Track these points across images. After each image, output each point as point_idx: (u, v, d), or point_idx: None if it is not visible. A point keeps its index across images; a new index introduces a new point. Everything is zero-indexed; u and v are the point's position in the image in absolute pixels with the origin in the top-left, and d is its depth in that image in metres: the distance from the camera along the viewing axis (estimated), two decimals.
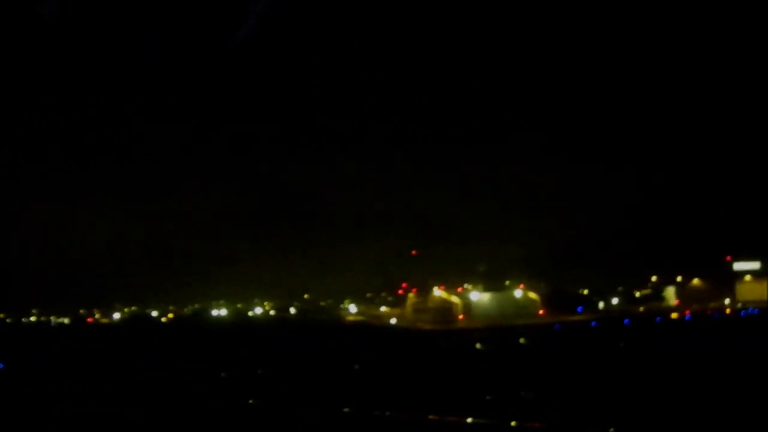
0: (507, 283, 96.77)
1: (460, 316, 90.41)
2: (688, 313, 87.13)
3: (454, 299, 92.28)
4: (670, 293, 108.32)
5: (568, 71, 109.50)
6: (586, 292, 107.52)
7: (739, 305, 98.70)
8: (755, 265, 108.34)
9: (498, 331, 71.95)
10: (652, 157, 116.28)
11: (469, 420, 20.37)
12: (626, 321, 75.62)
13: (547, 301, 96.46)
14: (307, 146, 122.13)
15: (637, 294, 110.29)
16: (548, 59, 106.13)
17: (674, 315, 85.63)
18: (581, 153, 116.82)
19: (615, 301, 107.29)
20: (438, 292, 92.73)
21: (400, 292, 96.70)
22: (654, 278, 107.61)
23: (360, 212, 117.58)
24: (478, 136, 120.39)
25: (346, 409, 23.38)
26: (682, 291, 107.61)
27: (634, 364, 39.59)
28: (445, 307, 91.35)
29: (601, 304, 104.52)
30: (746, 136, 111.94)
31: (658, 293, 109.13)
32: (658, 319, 78.85)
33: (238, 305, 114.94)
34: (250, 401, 27.79)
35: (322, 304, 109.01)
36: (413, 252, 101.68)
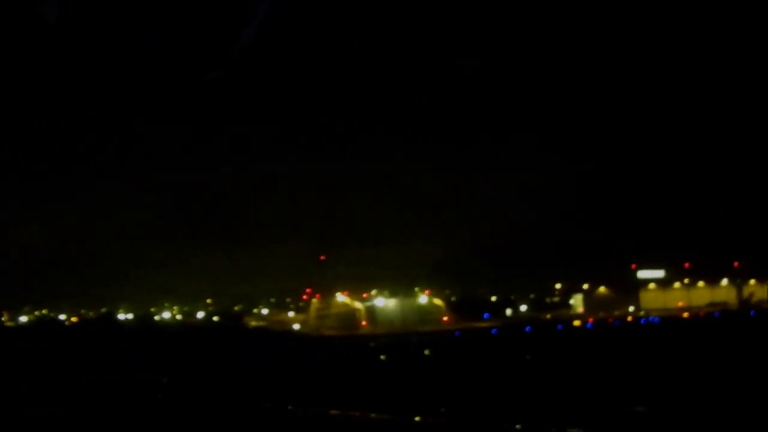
0: (416, 289, 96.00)
1: (363, 322, 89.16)
2: (591, 320, 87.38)
3: (358, 305, 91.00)
4: (578, 300, 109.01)
5: (482, 79, 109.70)
6: (494, 298, 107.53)
7: (642, 313, 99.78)
8: (659, 273, 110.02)
9: (398, 337, 71.07)
10: (561, 166, 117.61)
11: (373, 415, 20.05)
12: (527, 328, 75.25)
13: (454, 307, 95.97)
14: (218, 151, 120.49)
15: (548, 300, 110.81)
16: (466, 69, 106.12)
17: (577, 322, 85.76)
18: (491, 161, 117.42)
19: (523, 308, 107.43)
20: (341, 297, 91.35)
21: (305, 297, 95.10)
22: (558, 286, 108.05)
23: (271, 217, 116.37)
24: (388, 144, 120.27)
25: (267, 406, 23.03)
26: (589, 298, 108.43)
27: (525, 369, 39.42)
28: (348, 313, 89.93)
29: (508, 311, 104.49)
30: (653, 148, 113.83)
31: (565, 301, 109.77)
32: (559, 326, 78.72)
33: (152, 309, 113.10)
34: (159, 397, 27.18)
35: (235, 309, 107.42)
36: (322, 257, 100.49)
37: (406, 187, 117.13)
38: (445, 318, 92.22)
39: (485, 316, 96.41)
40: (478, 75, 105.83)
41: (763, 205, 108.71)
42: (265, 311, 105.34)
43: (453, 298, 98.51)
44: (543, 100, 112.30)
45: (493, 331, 75.16)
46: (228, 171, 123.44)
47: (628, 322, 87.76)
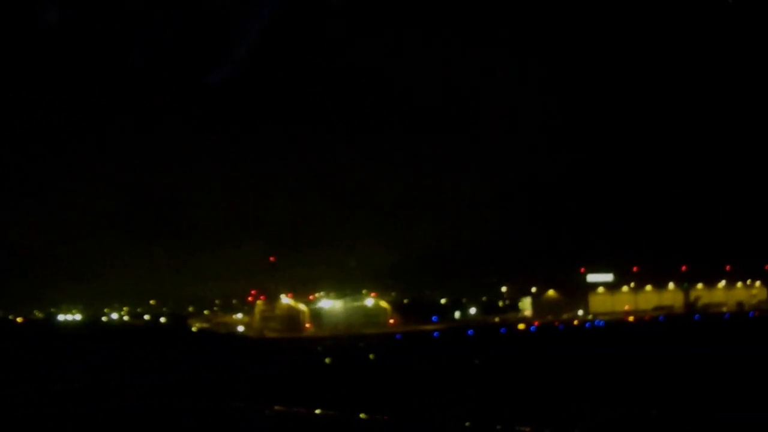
0: (364, 291, 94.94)
1: (307, 324, 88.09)
2: (536, 324, 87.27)
3: (302, 307, 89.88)
4: (526, 304, 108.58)
5: (433, 82, 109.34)
6: (444, 301, 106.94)
7: (590, 317, 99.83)
8: (608, 277, 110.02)
9: (338, 340, 70.44)
10: (511, 170, 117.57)
11: (318, 411, 19.78)
12: (470, 332, 74.86)
13: (402, 310, 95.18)
14: (170, 152, 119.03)
15: (501, 304, 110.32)
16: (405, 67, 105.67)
17: (521, 326, 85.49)
18: (442, 165, 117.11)
19: (473, 311, 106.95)
20: (285, 299, 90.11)
21: (250, 299, 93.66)
22: (504, 289, 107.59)
23: (222, 219, 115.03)
24: (339, 147, 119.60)
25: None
26: (538, 302, 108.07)
27: (464, 372, 39.36)
28: (292, 315, 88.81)
29: (457, 314, 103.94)
30: (601, 154, 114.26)
31: (515, 304, 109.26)
32: (502, 330, 78.47)
33: (105, 310, 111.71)
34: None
35: (190, 309, 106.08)
36: (271, 259, 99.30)
37: (358, 190, 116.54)
38: (391, 320, 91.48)
39: (434, 318, 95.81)
40: (429, 78, 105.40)
41: (711, 210, 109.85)
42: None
43: (405, 301, 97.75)
44: (492, 105, 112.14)
45: (435, 334, 74.69)
46: (180, 172, 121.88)
47: (574, 325, 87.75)
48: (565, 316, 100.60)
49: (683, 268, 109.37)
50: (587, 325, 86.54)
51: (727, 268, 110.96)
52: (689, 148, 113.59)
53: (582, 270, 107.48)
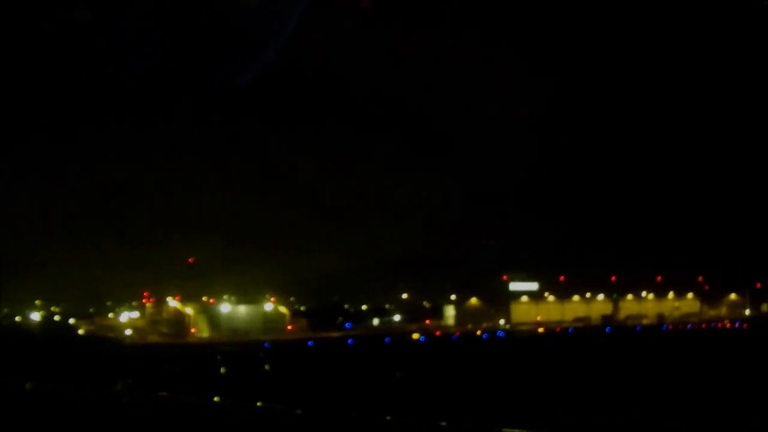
0: (267, 295, 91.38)
1: (193, 329, 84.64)
2: (438, 333, 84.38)
3: (189, 310, 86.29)
4: (449, 311, 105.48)
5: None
6: (365, 307, 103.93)
7: (508, 326, 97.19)
8: (532, 285, 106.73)
9: (210, 347, 67.79)
10: (438, 175, 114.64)
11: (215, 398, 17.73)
12: (350, 341, 72.23)
13: (311, 316, 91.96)
14: (89, 146, 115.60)
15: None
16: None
17: (415, 336, 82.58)
18: (367, 168, 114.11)
19: (397, 317, 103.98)
20: (173, 302, 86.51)
21: (144, 301, 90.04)
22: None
23: (139, 217, 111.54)
24: (267, 144, 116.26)
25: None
26: (460, 309, 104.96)
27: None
28: (178, 319, 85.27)
29: (375, 321, 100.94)
30: (529, 159, 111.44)
31: (437, 311, 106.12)
32: (387, 339, 75.69)
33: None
34: None
35: (54, 309, 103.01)
36: (190, 260, 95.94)
37: (283, 191, 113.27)
38: (289, 327, 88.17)
39: (347, 325, 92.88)
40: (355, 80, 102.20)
41: (643, 219, 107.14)
42: (124, 315, 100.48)
43: (303, 307, 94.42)
44: (407, 108, 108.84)
45: (310, 343, 72.09)
46: (107, 169, 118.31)
47: (475, 336, 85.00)
48: (485, 325, 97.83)
49: (612, 278, 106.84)
50: (485, 335, 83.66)
51: (658, 279, 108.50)
52: (618, 156, 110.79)
53: (504, 278, 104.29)
